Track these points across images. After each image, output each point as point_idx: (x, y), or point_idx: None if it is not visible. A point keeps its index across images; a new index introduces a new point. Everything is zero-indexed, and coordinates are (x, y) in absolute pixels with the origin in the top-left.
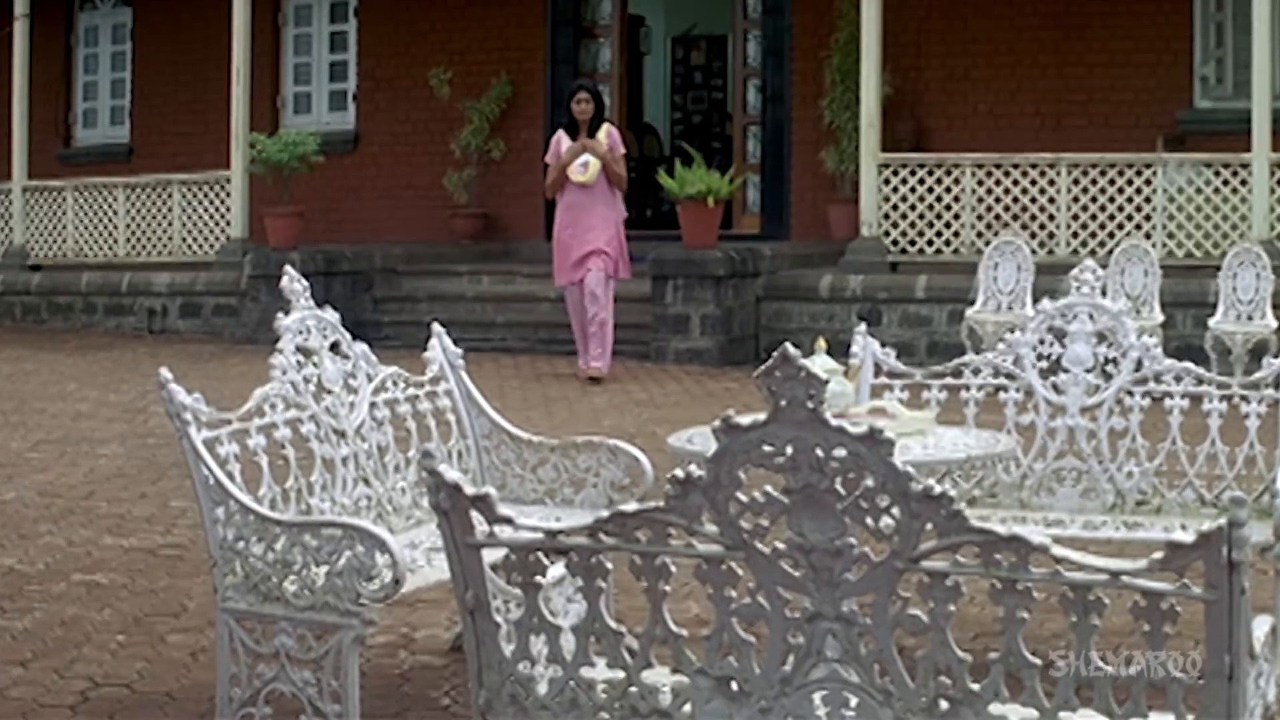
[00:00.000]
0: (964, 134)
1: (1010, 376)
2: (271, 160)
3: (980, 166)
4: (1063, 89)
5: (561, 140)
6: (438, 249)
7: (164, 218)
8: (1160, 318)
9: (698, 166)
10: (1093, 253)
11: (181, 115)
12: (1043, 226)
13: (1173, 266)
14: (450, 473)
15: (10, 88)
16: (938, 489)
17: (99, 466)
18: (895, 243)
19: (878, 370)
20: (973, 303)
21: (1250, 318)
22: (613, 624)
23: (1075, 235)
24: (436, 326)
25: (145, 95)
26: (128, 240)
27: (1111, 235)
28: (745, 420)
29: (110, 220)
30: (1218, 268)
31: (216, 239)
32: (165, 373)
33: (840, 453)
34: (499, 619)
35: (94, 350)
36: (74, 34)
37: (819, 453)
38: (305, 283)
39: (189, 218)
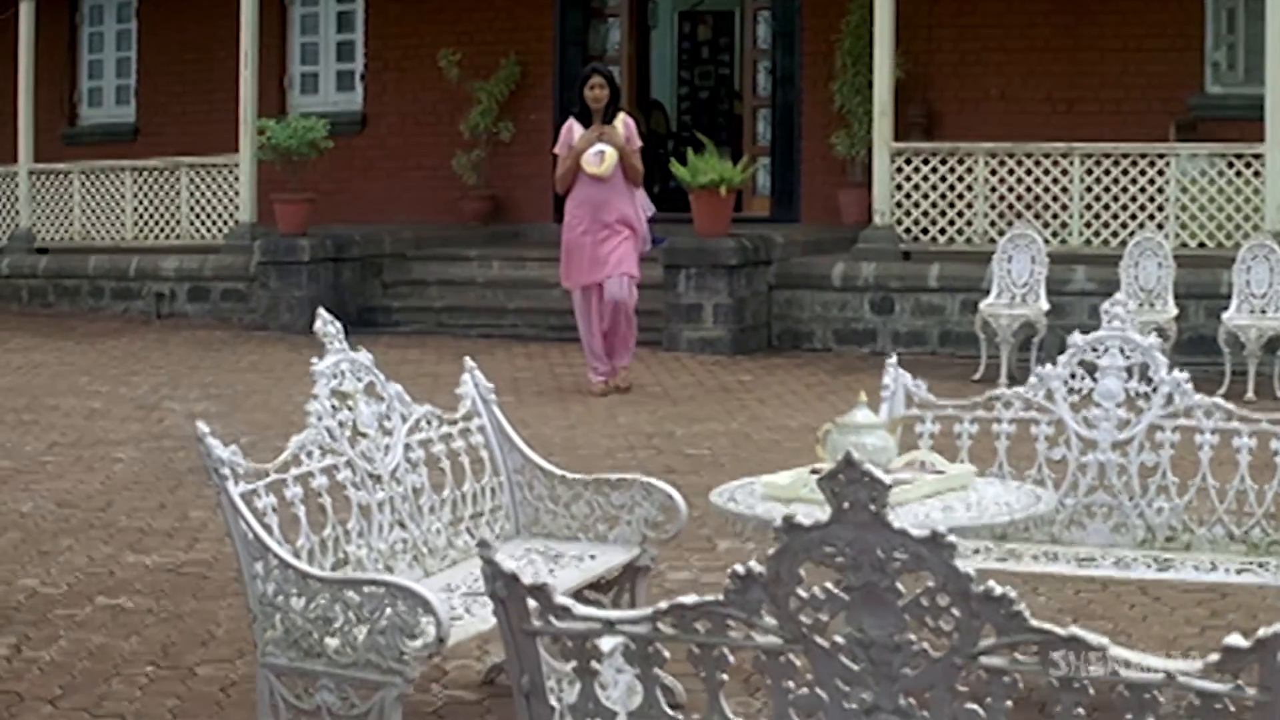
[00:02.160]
0: (975, 118)
1: (1041, 410)
2: (281, 146)
3: (993, 155)
4: (1074, 74)
5: (573, 129)
6: (446, 232)
7: (172, 201)
8: (1174, 311)
9: (710, 155)
10: (1105, 243)
11: (187, 94)
12: (1055, 216)
13: (1185, 257)
14: (508, 562)
15: (15, 71)
16: (998, 590)
17: (115, 473)
18: (908, 231)
19: (909, 401)
20: (987, 293)
21: (1264, 311)
22: (669, 711)
23: (1088, 225)
24: (469, 361)
25: (150, 74)
26: (135, 224)
27: (1124, 225)
28: (807, 520)
29: (118, 203)
30: (1231, 259)
31: (225, 223)
32: (202, 426)
33: (902, 554)
34: (554, 702)
35: (103, 338)
36: (79, 12)
37: (880, 553)
38: (339, 325)
39: (197, 201)
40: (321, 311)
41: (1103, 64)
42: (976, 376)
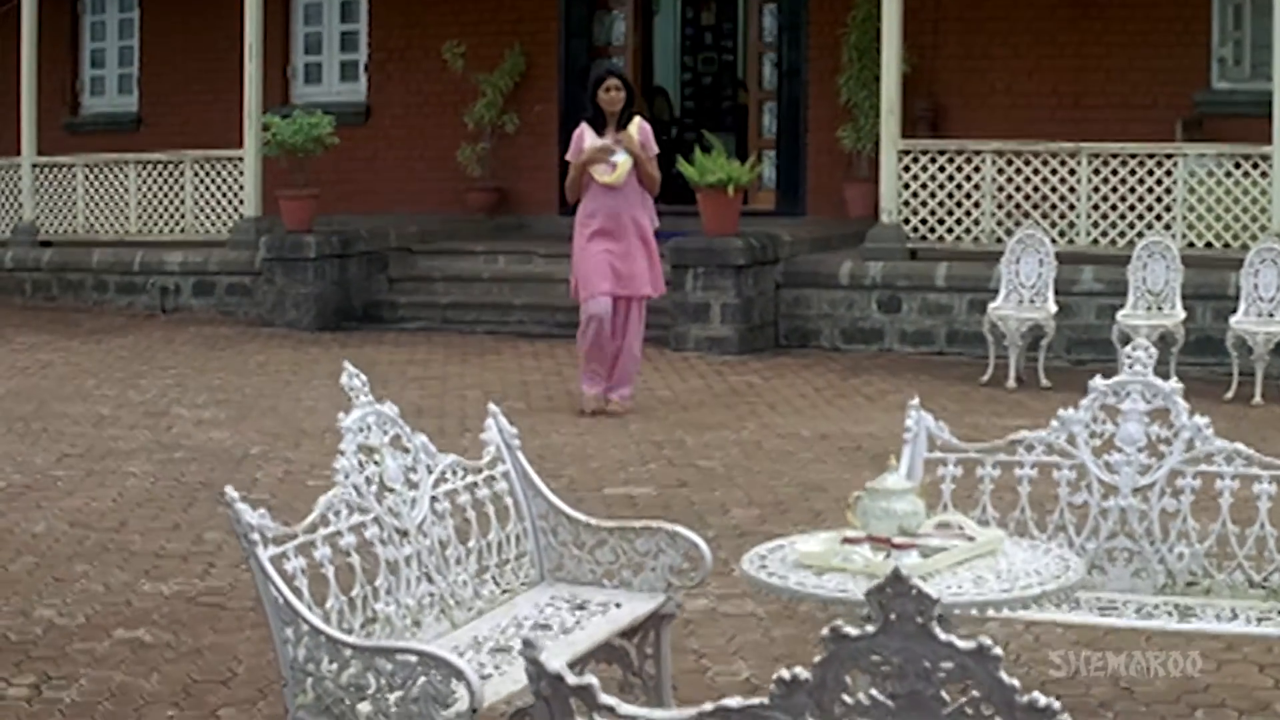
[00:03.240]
0: (981, 112)
1: (1064, 454)
2: (286, 143)
3: (1000, 154)
4: (1080, 68)
5: (585, 135)
6: (452, 225)
7: (176, 195)
8: (1182, 314)
9: (717, 154)
10: (1113, 243)
11: (190, 84)
12: (1063, 216)
13: (1193, 257)
14: (552, 662)
15: (19, 62)
16: (1042, 701)
17: (128, 489)
18: (915, 229)
19: (931, 443)
20: (994, 293)
21: (1272, 315)
22: None
23: (1095, 225)
24: (493, 406)
25: (153, 63)
26: (139, 217)
27: (1131, 225)
28: (854, 631)
29: (121, 197)
30: (1238, 260)
31: (229, 217)
32: (231, 491)
33: (948, 665)
34: None
35: (108, 335)
36: (81, 1)
37: (926, 664)
38: (365, 377)
39: (201, 195)
40: (347, 365)
41: (1108, 59)
42: (985, 379)
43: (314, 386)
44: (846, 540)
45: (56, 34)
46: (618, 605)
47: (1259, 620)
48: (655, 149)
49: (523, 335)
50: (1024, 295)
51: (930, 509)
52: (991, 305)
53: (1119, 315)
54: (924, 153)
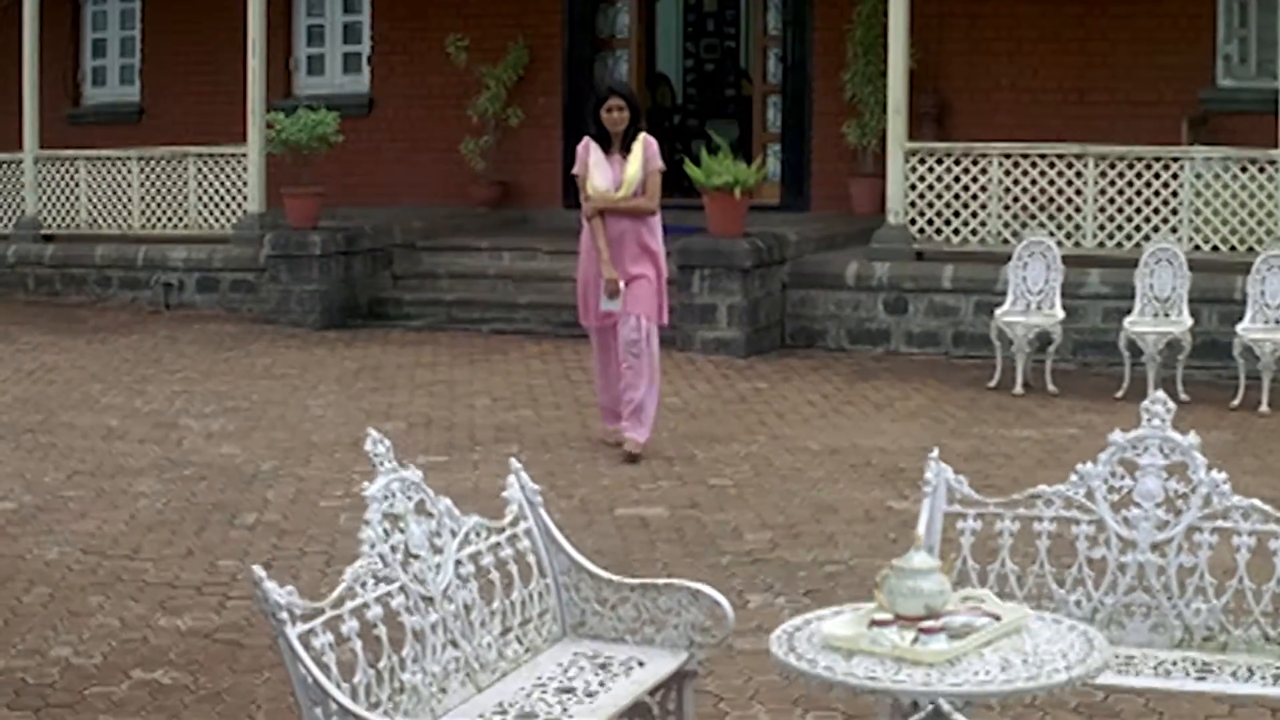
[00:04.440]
0: (986, 106)
1: (1082, 509)
2: (290, 141)
3: (1007, 156)
4: (1085, 65)
5: (590, 150)
6: (456, 219)
7: (179, 190)
8: (1189, 321)
9: (724, 155)
10: (1119, 245)
11: (192, 75)
12: (1069, 218)
13: (1199, 260)
14: None
15: (20, 53)
16: None
17: (139, 510)
18: (921, 231)
19: (950, 497)
20: (1001, 294)
21: (1279, 323)
22: None
23: (1102, 228)
24: (514, 462)
25: (155, 54)
26: (142, 212)
27: (1138, 228)
28: None
29: (124, 191)
30: (1245, 264)
31: (233, 213)
32: (259, 570)
33: None
34: None
35: (113, 334)
36: None
37: None
38: (389, 443)
39: (205, 191)
40: (371, 431)
41: (1114, 55)
42: (992, 383)
43: (320, 394)
44: (875, 623)
45: (58, 24)
46: (640, 664)
47: (1275, 679)
48: (660, 164)
49: (528, 334)
50: (1031, 301)
51: (948, 568)
52: (999, 311)
53: (1126, 322)
54: (930, 153)
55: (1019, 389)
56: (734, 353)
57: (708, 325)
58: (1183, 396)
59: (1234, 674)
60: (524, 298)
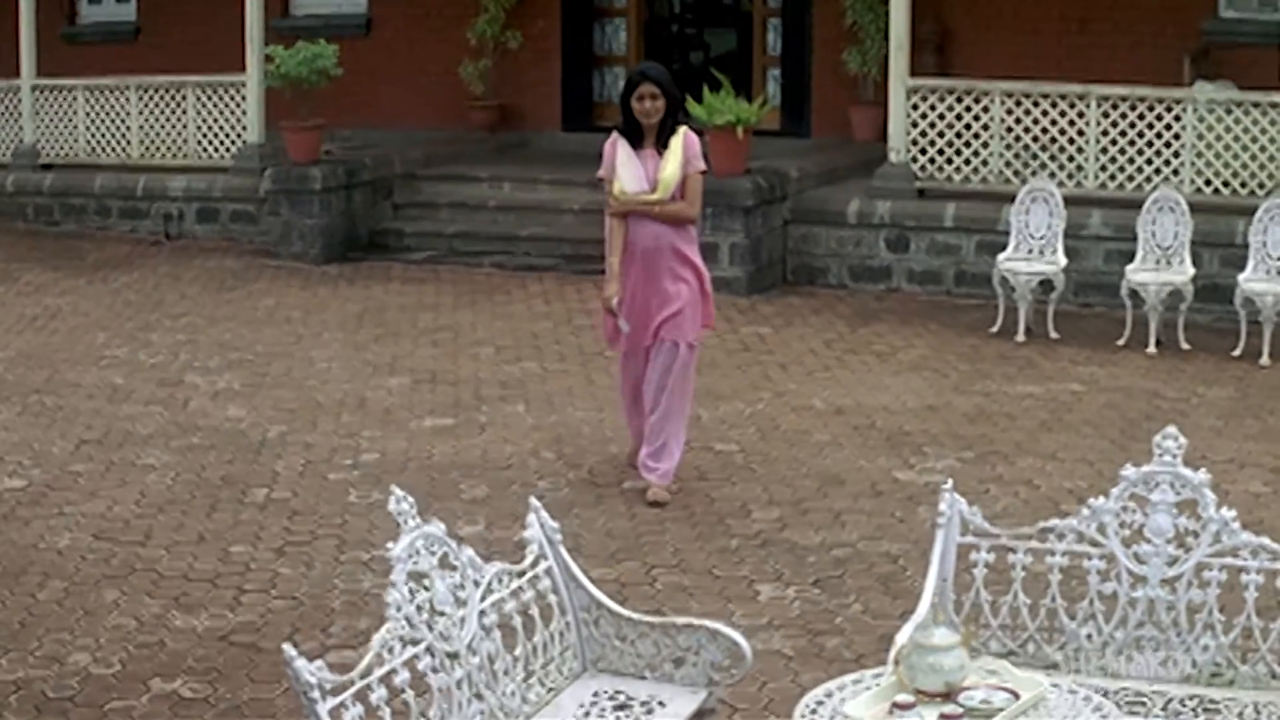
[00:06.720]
0: (987, 35)
1: (1094, 544)
2: (289, 75)
3: (1009, 95)
4: None
5: (618, 147)
6: (455, 144)
7: (178, 120)
8: (1191, 270)
9: (726, 94)
10: (1120, 187)
11: None
12: (1071, 159)
13: (1201, 203)
14: None
15: None
16: None
17: (149, 487)
18: (923, 168)
19: (964, 528)
20: (1003, 234)
21: None
22: None
23: (1104, 168)
24: (534, 500)
25: None
26: (141, 142)
27: (1140, 170)
28: None
29: (123, 120)
30: (1250, 208)
31: (233, 143)
32: (290, 649)
33: None
34: None
35: (114, 270)
36: None
37: None
38: (412, 500)
39: (204, 120)
40: (395, 489)
41: None
42: (995, 329)
43: (325, 342)
44: (896, 705)
45: None
46: (661, 704)
47: None
48: (702, 165)
49: (529, 268)
50: (1034, 246)
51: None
52: (1001, 256)
53: (1128, 270)
54: (933, 90)
55: (1021, 336)
56: (736, 292)
57: (710, 264)
58: (1184, 345)
59: (1240, 715)
60: (525, 230)
